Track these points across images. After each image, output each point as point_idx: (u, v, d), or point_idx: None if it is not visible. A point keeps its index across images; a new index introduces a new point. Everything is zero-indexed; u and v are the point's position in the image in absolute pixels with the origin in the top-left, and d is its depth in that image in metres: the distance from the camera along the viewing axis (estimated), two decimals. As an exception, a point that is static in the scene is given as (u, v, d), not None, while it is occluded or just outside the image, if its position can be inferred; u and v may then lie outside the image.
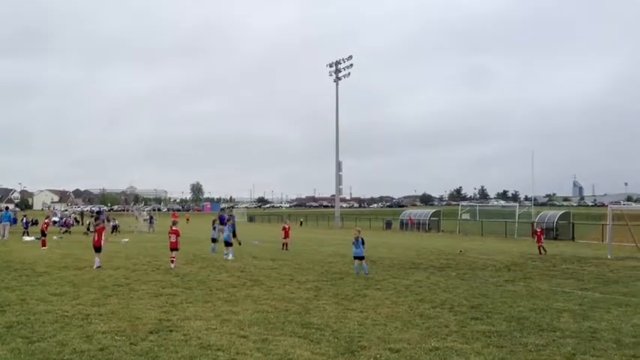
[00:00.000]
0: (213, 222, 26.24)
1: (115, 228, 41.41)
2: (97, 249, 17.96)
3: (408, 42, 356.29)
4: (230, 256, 20.73)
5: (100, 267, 17.39)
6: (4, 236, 32.61)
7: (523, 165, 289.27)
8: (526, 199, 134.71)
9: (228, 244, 21.45)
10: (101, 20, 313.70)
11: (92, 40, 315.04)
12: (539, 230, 28.47)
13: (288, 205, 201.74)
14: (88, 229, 38.18)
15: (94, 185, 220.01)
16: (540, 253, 26.30)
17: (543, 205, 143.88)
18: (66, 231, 40.76)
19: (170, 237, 18.72)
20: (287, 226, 27.93)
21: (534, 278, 16.99)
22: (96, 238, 18.19)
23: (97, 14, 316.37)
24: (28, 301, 11.55)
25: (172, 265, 17.84)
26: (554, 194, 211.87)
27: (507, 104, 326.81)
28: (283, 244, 26.79)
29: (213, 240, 24.88)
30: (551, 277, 17.45)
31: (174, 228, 19.06)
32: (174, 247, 18.45)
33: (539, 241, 27.27)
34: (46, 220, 30.44)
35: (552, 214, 49.15)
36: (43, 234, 27.70)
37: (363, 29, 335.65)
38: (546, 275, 17.79)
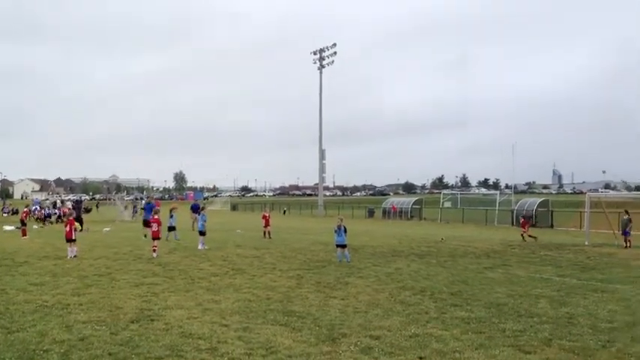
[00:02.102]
0: (171, 210, 25.92)
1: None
2: (70, 240, 17.81)
3: (392, 32, 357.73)
4: (200, 246, 20.41)
5: (76, 256, 17.27)
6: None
7: (504, 153, 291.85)
8: (507, 187, 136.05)
9: (201, 233, 21.23)
10: (84, 8, 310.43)
11: (74, 27, 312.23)
12: (522, 219, 29.43)
13: (271, 194, 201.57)
14: (59, 218, 37.82)
15: (76, 174, 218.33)
16: (524, 239, 27.23)
17: (523, 192, 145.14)
18: (45, 219, 40.48)
19: (152, 226, 18.65)
20: (267, 215, 27.88)
21: (513, 265, 17.19)
22: (67, 230, 17.99)
23: (80, 2, 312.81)
24: (8, 291, 11.47)
25: (154, 255, 17.78)
26: (534, 182, 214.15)
27: (489, 94, 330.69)
28: (264, 233, 26.79)
29: (172, 228, 24.55)
30: (529, 263, 17.66)
31: (155, 217, 18.98)
32: (155, 237, 18.39)
33: (523, 227, 28.44)
34: (26, 210, 30.18)
35: (532, 202, 49.81)
36: (23, 223, 27.47)
37: (348, 19, 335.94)
38: (525, 262, 18.01)
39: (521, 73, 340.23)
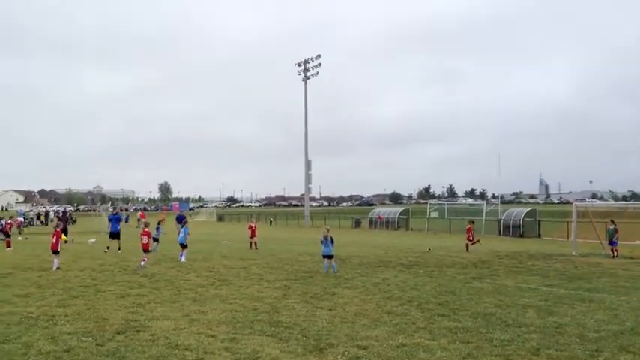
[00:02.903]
0: (158, 222, 25.58)
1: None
2: (55, 252, 17.67)
3: (378, 43, 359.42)
4: (182, 259, 20.15)
5: (59, 268, 17.11)
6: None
7: (491, 164, 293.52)
8: (493, 197, 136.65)
9: (183, 245, 20.94)
10: (71, 18, 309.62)
11: (60, 38, 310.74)
12: (468, 227, 28.42)
13: (257, 205, 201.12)
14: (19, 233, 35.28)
15: (60, 185, 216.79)
16: (467, 249, 26.55)
17: (510, 202, 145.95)
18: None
19: (142, 238, 18.66)
20: (253, 225, 27.81)
21: (500, 275, 17.23)
22: (54, 241, 17.84)
23: (67, 12, 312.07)
24: (-8, 303, 11.35)
25: (142, 264, 17.76)
26: (520, 192, 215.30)
27: (475, 105, 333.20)
28: (251, 243, 26.72)
29: (156, 239, 24.12)
30: (517, 273, 17.71)
31: (146, 229, 19.04)
32: (145, 249, 18.37)
33: (468, 236, 27.46)
34: (10, 221, 29.89)
35: (519, 212, 49.95)
36: (7, 235, 27.24)
37: (334, 31, 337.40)
38: (512, 272, 18.05)
39: (507, 84, 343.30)
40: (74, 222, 46.69)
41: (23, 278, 15.27)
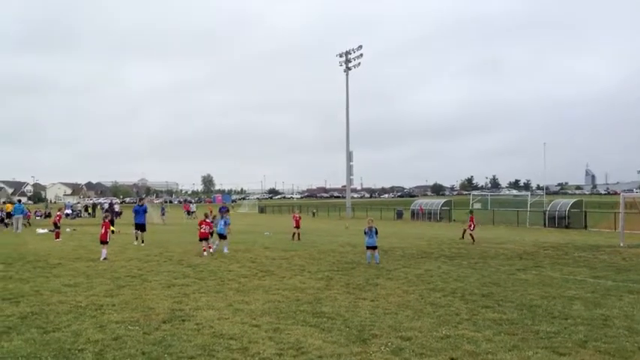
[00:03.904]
0: (205, 215, 25.64)
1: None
2: (104, 242, 18.15)
3: (420, 33, 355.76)
4: (225, 250, 20.30)
5: (106, 259, 17.51)
6: (17, 229, 32.92)
7: (535, 154, 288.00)
8: (538, 187, 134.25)
9: (222, 236, 20.89)
10: (114, 15, 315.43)
11: (105, 35, 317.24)
12: (470, 217, 28.08)
13: (299, 196, 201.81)
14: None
15: (106, 178, 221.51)
16: (462, 237, 26.88)
17: (555, 193, 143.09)
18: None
19: (201, 227, 19.94)
20: (297, 216, 27.96)
21: (546, 267, 16.94)
22: (102, 232, 18.29)
23: (112, 9, 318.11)
24: (42, 292, 11.67)
25: (205, 254, 18.95)
26: (566, 183, 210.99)
27: (520, 94, 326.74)
28: (294, 234, 26.85)
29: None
30: (563, 265, 17.39)
31: (207, 220, 20.20)
32: (204, 237, 19.60)
33: (470, 225, 26.99)
34: (59, 213, 30.66)
35: (564, 203, 48.92)
36: (57, 226, 27.94)
37: (376, 21, 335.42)
38: (558, 264, 17.73)
39: (551, 72, 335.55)
40: (119, 214, 47.79)
41: (72, 268, 15.67)
